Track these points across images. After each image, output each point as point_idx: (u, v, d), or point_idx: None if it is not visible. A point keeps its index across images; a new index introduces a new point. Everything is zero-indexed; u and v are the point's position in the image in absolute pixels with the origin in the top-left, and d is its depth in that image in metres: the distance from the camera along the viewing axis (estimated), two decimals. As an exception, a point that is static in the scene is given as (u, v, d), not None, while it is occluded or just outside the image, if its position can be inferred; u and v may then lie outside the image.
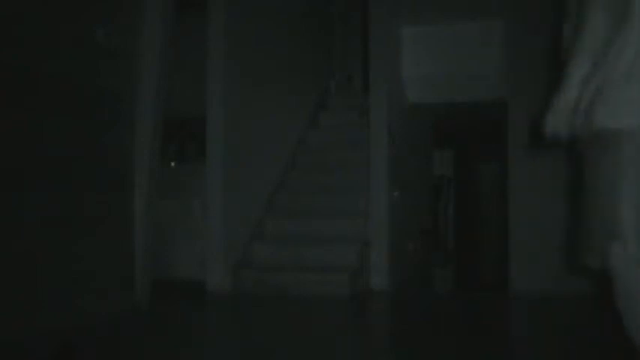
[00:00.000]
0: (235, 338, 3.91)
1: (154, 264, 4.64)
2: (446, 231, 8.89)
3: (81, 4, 3.97)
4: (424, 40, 6.36)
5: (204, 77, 5.38)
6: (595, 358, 3.27)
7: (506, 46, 5.55)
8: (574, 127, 2.22)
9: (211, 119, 5.37)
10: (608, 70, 2.06)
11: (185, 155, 6.32)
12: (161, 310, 4.55)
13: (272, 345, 3.58)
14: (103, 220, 4.16)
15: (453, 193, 9.25)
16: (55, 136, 3.78)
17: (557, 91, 2.17)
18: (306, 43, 7.22)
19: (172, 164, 6.24)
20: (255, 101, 5.82)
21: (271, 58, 6.20)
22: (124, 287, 4.35)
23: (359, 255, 5.45)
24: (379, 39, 5.83)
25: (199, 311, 4.85)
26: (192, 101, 5.64)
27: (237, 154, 5.48)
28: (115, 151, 4.30)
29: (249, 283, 5.32)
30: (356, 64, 7.99)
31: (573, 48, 2.17)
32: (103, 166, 4.18)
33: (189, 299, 5.13)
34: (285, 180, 6.41)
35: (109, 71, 4.22)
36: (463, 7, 5.92)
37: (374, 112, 5.72)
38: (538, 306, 4.89)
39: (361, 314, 4.85)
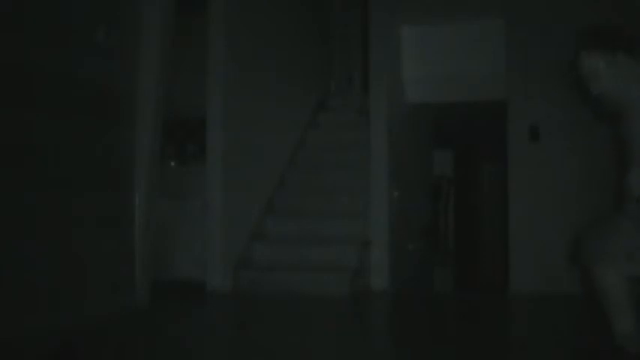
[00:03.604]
0: (235, 338, 3.91)
1: (154, 264, 4.64)
2: (446, 231, 8.88)
3: (81, 3, 3.97)
4: (424, 40, 6.36)
5: (204, 77, 5.38)
6: (594, 357, 3.27)
7: (507, 46, 5.55)
8: None
9: (211, 119, 5.37)
10: None
11: (185, 155, 6.32)
12: (161, 310, 4.55)
13: (272, 345, 3.58)
14: (103, 220, 4.16)
15: (453, 193, 9.24)
16: (55, 135, 3.78)
17: None
18: (306, 43, 7.22)
19: (172, 164, 6.24)
20: (256, 101, 5.82)
21: (271, 59, 6.20)
22: (124, 287, 4.35)
23: (359, 255, 5.45)
24: (379, 39, 5.83)
25: (199, 311, 4.85)
26: (192, 101, 5.64)
27: (237, 154, 5.48)
28: (115, 151, 4.30)
29: (249, 283, 5.32)
30: (356, 64, 7.98)
31: None
32: (103, 166, 4.18)
33: (189, 299, 5.13)
34: (285, 180, 6.41)
35: (109, 71, 4.22)
36: (463, 7, 5.92)
37: (374, 112, 5.72)
38: (538, 306, 4.89)
39: (361, 314, 4.85)
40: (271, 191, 6.19)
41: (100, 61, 4.12)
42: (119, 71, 4.32)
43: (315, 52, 7.61)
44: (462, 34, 6.19)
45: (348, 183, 6.21)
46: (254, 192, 5.87)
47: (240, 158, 5.52)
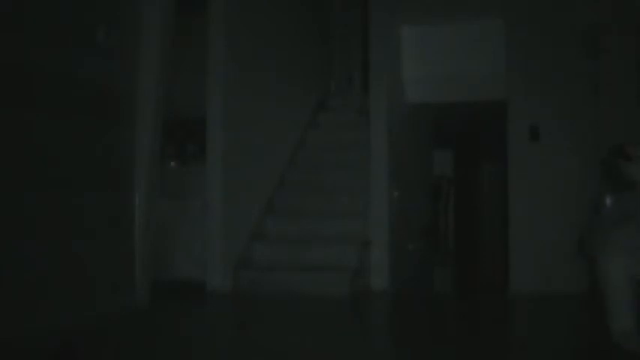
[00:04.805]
0: (235, 338, 3.91)
1: (154, 264, 4.64)
2: (446, 231, 8.88)
3: (81, 3, 3.97)
4: (424, 40, 6.36)
5: (204, 77, 5.38)
6: (594, 357, 3.27)
7: (507, 46, 5.55)
8: None
9: (211, 119, 5.37)
10: None
11: (185, 155, 6.32)
12: (161, 310, 4.55)
13: (272, 345, 3.58)
14: (102, 220, 4.15)
15: (453, 193, 9.24)
16: (55, 135, 3.78)
17: None
18: (306, 43, 7.22)
19: (172, 164, 6.24)
20: (256, 101, 5.82)
21: (271, 59, 6.20)
22: (124, 287, 4.35)
23: (359, 255, 5.45)
24: (379, 39, 5.83)
25: (199, 311, 4.85)
26: (192, 101, 5.64)
27: (237, 154, 5.48)
28: (115, 151, 4.30)
29: (249, 283, 5.32)
30: (356, 64, 7.99)
31: None
32: (103, 166, 4.18)
33: (189, 299, 5.13)
34: (285, 180, 6.41)
35: (109, 71, 4.22)
36: (463, 7, 5.92)
37: (374, 112, 5.72)
38: (538, 306, 4.89)
39: (361, 314, 4.85)
40: (271, 191, 6.19)
41: (100, 61, 4.11)
42: (119, 71, 4.32)
43: (315, 52, 7.61)
44: (462, 34, 6.19)
45: (348, 183, 6.21)
46: (254, 192, 5.87)
47: (240, 158, 5.52)
